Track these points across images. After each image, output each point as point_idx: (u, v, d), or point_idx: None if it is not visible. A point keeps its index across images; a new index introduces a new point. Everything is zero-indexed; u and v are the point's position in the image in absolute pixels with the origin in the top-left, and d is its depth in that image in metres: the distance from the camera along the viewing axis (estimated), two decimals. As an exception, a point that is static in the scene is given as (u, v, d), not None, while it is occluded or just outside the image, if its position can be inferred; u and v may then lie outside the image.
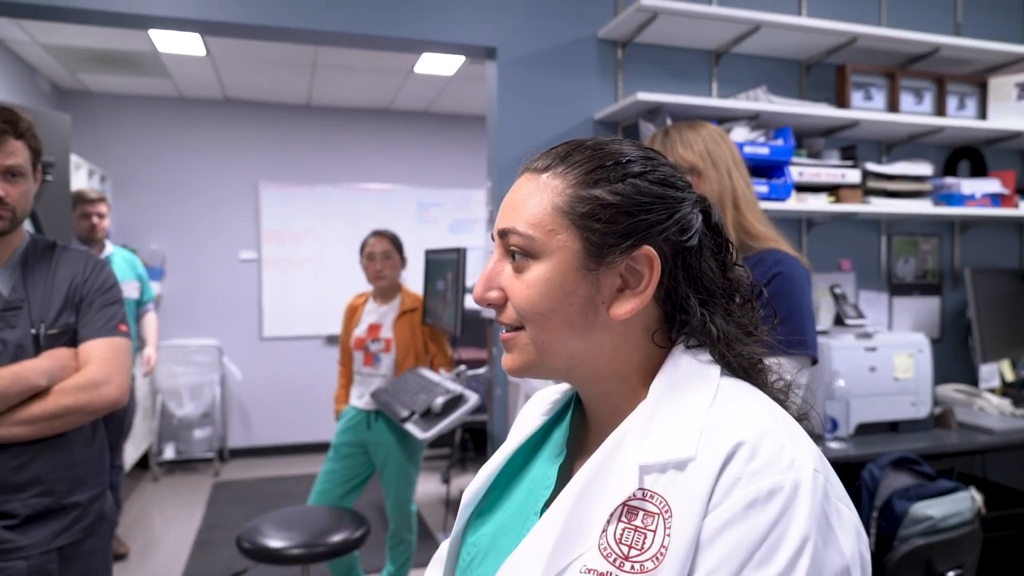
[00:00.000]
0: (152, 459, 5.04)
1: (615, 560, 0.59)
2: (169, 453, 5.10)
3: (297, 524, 2.22)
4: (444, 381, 2.49)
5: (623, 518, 0.60)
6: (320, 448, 5.32)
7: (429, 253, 3.12)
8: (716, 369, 0.66)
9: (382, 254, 2.87)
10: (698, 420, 0.61)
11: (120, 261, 3.47)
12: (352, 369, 2.98)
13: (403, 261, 2.96)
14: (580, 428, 0.76)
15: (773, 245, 1.45)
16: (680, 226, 0.67)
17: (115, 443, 3.47)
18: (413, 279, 3.19)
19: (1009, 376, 2.82)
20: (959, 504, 1.76)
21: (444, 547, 0.83)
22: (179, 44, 4.12)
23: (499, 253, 0.70)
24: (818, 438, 0.69)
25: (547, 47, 2.53)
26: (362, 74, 4.82)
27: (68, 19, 2.32)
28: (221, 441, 5.36)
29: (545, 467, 0.74)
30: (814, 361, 1.42)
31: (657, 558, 0.57)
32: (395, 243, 2.92)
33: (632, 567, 0.58)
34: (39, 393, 1.35)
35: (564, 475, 0.71)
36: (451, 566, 0.79)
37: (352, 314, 3.01)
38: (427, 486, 4.66)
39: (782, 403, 0.68)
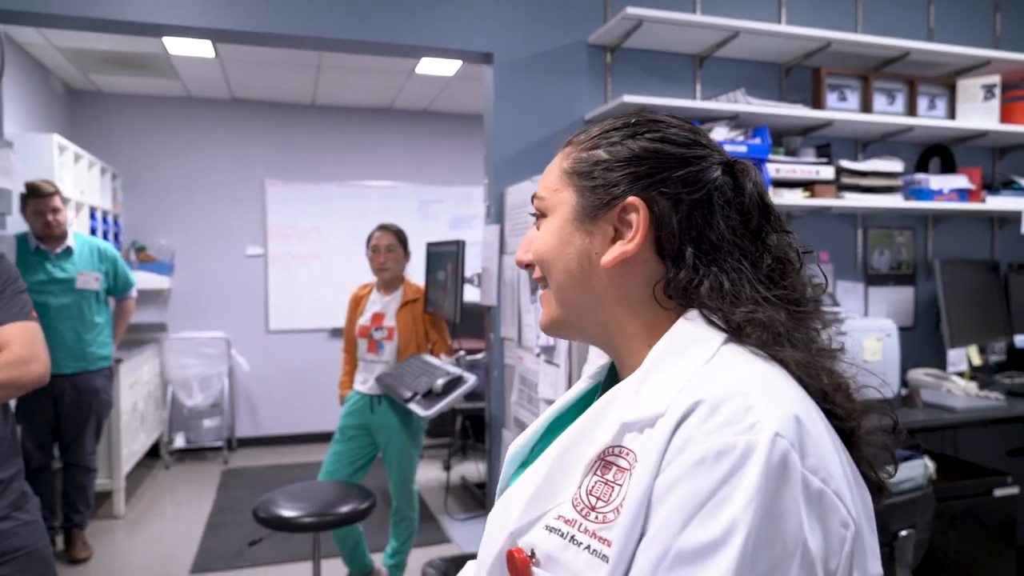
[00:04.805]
0: (163, 447, 5.22)
1: (583, 510, 0.62)
2: (179, 442, 5.28)
3: (308, 496, 2.40)
4: (444, 365, 2.67)
5: (598, 472, 0.63)
6: (324, 437, 5.49)
7: (430, 245, 3.30)
8: (719, 335, 0.65)
9: (386, 247, 3.04)
10: (681, 380, 0.62)
11: (84, 252, 3.43)
12: (356, 356, 3.15)
13: (407, 254, 3.13)
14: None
15: None
16: (681, 179, 0.68)
17: (82, 442, 3.44)
18: (415, 272, 3.36)
19: (976, 360, 2.99)
20: (913, 471, 1.93)
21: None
22: (189, 47, 4.29)
23: (534, 219, 0.78)
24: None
25: (540, 52, 2.70)
26: (365, 75, 4.99)
27: (87, 28, 2.48)
28: (229, 430, 5.54)
29: None
30: None
31: (617, 510, 0.59)
32: (399, 237, 3.09)
33: (596, 517, 0.60)
34: None
35: None
36: None
37: (356, 303, 3.18)
38: (429, 472, 4.84)
39: (805, 376, 0.64)
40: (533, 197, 0.77)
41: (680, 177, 0.68)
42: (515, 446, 0.81)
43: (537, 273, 0.76)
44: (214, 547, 3.63)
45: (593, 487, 0.62)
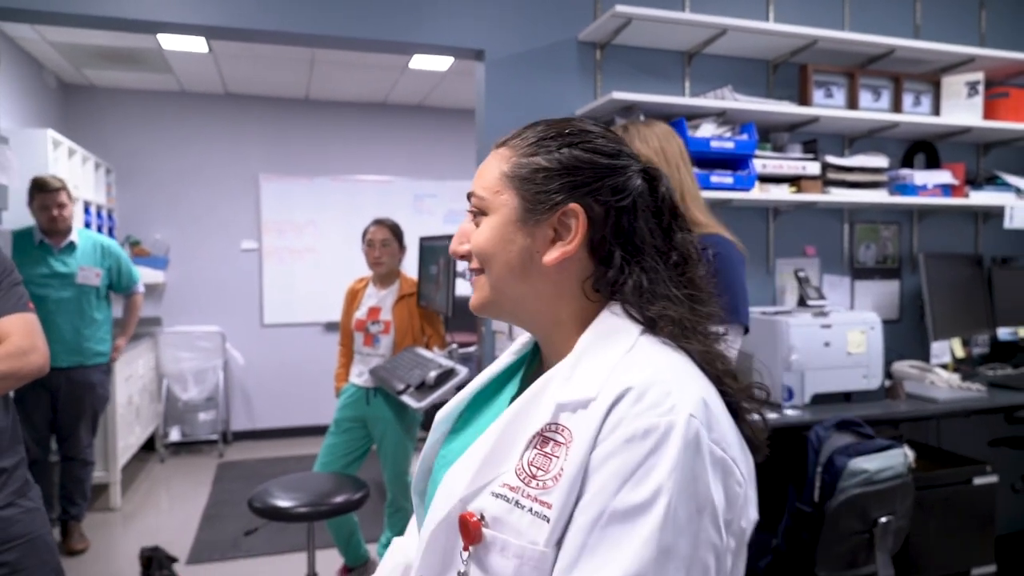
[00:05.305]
0: (158, 441, 5.25)
1: (525, 479, 0.71)
2: (175, 435, 5.32)
3: (303, 487, 2.44)
4: (437, 358, 2.71)
5: (537, 446, 0.72)
6: (319, 430, 5.50)
7: (423, 240, 3.33)
8: (637, 327, 0.76)
9: (381, 242, 3.08)
10: (608, 367, 0.72)
11: (88, 248, 3.48)
12: (352, 349, 3.19)
13: (402, 249, 3.16)
14: (538, 367, 0.90)
15: (713, 230, 1.68)
16: (611, 188, 0.78)
17: (78, 435, 3.48)
18: (409, 266, 3.39)
19: (960, 353, 3.04)
20: (893, 459, 1.98)
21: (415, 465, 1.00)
22: (182, 42, 4.30)
23: (469, 214, 0.84)
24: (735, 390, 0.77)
25: (531, 49, 2.73)
26: (358, 70, 5.01)
27: (81, 25, 2.50)
28: (224, 424, 5.57)
29: (505, 397, 0.88)
30: (746, 329, 1.67)
31: (556, 478, 0.69)
32: (394, 232, 3.12)
33: (537, 484, 0.70)
34: None
35: None
36: (426, 473, 0.93)
37: (353, 298, 3.22)
38: (422, 465, 4.88)
39: (704, 362, 0.75)
40: (470, 195, 0.83)
41: (611, 185, 0.78)
42: (443, 413, 0.92)
43: (475, 263, 0.83)
44: (210, 539, 3.68)
45: (533, 459, 0.72)
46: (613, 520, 0.65)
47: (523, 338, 0.94)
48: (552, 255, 0.78)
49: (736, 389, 0.77)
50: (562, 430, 0.71)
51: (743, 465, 0.72)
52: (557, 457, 0.70)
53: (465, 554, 0.73)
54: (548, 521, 0.69)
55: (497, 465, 0.74)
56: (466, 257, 0.84)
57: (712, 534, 0.66)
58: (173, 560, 3.18)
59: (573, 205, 0.77)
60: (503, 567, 0.70)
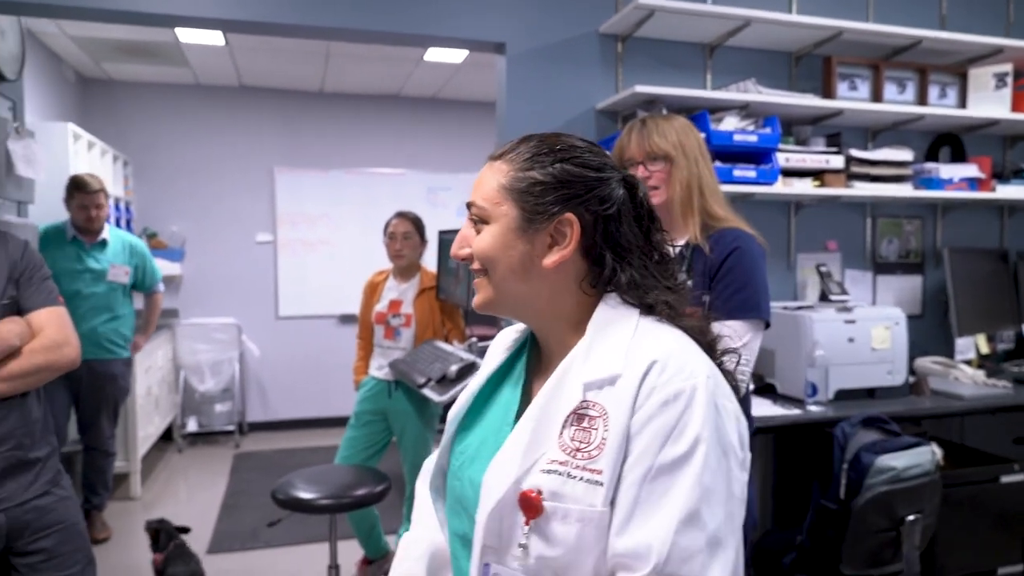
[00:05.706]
0: (176, 431, 5.29)
1: (570, 452, 0.81)
2: (192, 426, 5.36)
3: (325, 479, 2.45)
4: (458, 351, 2.71)
5: (574, 423, 0.82)
6: (333, 422, 5.55)
7: (442, 233, 3.33)
8: (635, 311, 0.87)
9: (403, 235, 3.07)
10: (623, 347, 0.83)
11: (117, 246, 3.57)
12: (371, 342, 3.19)
13: (424, 242, 3.16)
14: (535, 358, 0.98)
15: (733, 224, 1.65)
16: (599, 198, 0.87)
17: (99, 426, 3.53)
18: (428, 259, 3.39)
19: (984, 349, 3.01)
20: (920, 457, 1.96)
21: (429, 462, 1.06)
22: (199, 35, 4.30)
23: (469, 221, 0.92)
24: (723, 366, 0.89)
25: (552, 42, 2.72)
26: (373, 62, 5.00)
27: (101, 19, 2.49)
28: (240, 415, 5.61)
29: (511, 389, 0.97)
30: (767, 324, 1.64)
31: (600, 447, 0.79)
32: (416, 225, 3.12)
33: (582, 455, 0.80)
34: (11, 354, 1.53)
35: (525, 395, 0.95)
36: (441, 472, 1.01)
37: (373, 290, 3.22)
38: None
39: (695, 336, 0.88)
40: (470, 204, 0.91)
41: (598, 196, 0.88)
42: (454, 411, 1.00)
43: (477, 266, 0.91)
44: (229, 529, 3.70)
45: (574, 435, 0.81)
46: (661, 473, 0.76)
47: (509, 335, 1.03)
48: (551, 259, 0.87)
49: (718, 353, 0.90)
50: (593, 405, 0.81)
51: (740, 413, 0.84)
52: (595, 429, 0.80)
53: (526, 528, 0.81)
54: (602, 485, 0.78)
55: (539, 446, 0.83)
56: (467, 260, 0.92)
57: (736, 471, 0.79)
58: (184, 531, 3.17)
59: (568, 215, 0.86)
60: (565, 532, 0.79)
